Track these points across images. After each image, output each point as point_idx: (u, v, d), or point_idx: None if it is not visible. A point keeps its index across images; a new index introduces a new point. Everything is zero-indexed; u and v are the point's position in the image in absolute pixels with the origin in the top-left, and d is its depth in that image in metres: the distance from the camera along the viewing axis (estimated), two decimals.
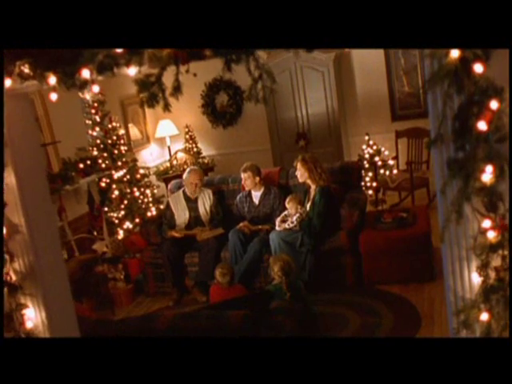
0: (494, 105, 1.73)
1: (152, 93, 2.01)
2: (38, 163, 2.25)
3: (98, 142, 5.68)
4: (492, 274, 1.85)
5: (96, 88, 2.07)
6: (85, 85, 2.04)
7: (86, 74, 2.02)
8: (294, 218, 4.87)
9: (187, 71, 1.99)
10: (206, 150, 7.72)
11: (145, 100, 2.02)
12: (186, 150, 7.43)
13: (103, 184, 5.68)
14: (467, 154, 1.80)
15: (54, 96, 2.12)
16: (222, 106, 7.64)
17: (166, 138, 7.60)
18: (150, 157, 7.55)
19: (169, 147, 7.57)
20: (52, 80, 2.07)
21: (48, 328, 2.25)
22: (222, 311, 3.07)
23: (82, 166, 5.54)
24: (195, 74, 1.99)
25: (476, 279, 1.93)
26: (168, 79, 2.01)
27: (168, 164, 7.44)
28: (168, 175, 7.15)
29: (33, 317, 2.27)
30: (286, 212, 4.99)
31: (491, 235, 1.83)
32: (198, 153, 7.54)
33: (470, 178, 1.79)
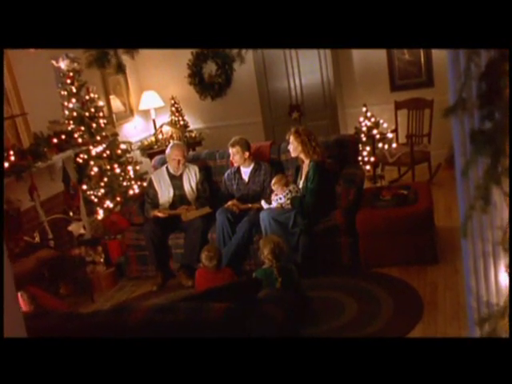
0: None
1: (102, 50, 1.63)
2: None
3: (75, 114, 5.32)
4: None
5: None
6: None
7: None
8: (283, 194, 4.56)
9: None
10: (194, 123, 7.42)
11: (93, 59, 1.65)
12: (172, 123, 7.12)
13: (80, 160, 5.33)
14: (496, 123, 1.45)
15: None
16: (210, 76, 7.28)
17: (150, 111, 7.31)
18: (134, 130, 7.22)
19: (154, 120, 7.28)
20: None
21: None
22: (202, 303, 2.76)
23: (55, 140, 5.16)
24: None
25: (505, 281, 1.59)
26: None
27: (153, 138, 7.13)
28: (153, 150, 6.85)
29: None
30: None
31: None
32: (185, 126, 7.23)
33: (500, 154, 1.44)
